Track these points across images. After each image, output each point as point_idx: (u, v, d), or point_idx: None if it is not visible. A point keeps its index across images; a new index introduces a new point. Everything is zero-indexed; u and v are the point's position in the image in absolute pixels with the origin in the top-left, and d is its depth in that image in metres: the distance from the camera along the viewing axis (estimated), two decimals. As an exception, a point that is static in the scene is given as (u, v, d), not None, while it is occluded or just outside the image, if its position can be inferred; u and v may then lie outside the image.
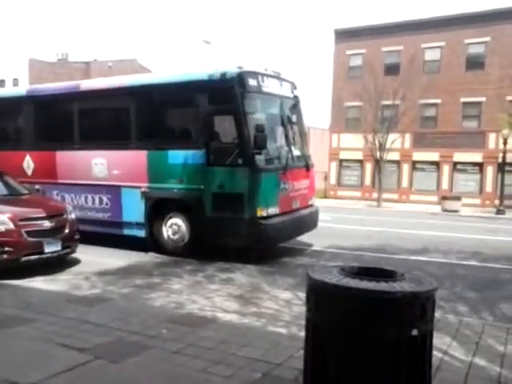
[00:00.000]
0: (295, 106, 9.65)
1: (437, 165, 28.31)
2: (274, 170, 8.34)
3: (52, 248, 7.15)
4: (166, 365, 3.74)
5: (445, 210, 22.74)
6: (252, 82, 8.24)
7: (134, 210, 9.07)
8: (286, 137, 8.97)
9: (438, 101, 27.57)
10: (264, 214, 7.91)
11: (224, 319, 4.91)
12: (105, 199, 9.49)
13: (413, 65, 26.18)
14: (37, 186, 9.62)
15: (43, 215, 7.24)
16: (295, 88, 9.73)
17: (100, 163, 9.48)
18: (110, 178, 9.36)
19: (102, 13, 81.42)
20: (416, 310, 2.31)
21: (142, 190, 8.95)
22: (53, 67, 44.04)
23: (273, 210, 8.11)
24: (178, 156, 8.55)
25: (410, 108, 25.81)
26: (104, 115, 10.21)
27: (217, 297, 5.84)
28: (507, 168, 24.32)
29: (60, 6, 75.64)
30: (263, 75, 8.62)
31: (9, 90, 12.07)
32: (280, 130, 9.01)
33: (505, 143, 22.74)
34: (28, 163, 10.47)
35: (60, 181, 10.06)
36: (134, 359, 3.84)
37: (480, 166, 27.52)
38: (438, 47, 27.97)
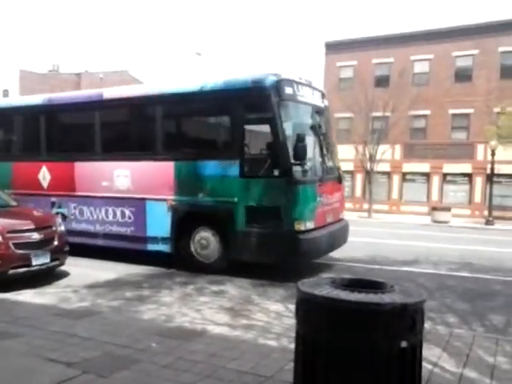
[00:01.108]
0: (326, 116, 9.40)
1: (427, 176, 28.56)
2: (312, 182, 7.94)
3: (40, 260, 7.07)
4: (154, 379, 3.69)
5: (435, 221, 22.88)
6: (288, 90, 7.89)
7: (159, 224, 8.64)
8: (321, 147, 8.57)
9: (428, 112, 27.91)
10: (302, 228, 7.50)
11: (214, 332, 4.88)
12: (127, 213, 9.02)
13: (403, 77, 26.50)
14: (53, 199, 9.64)
15: (32, 227, 7.17)
16: (324, 97, 9.42)
17: (123, 175, 9.03)
18: (134, 191, 8.91)
19: (92, 25, 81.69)
20: (405, 321, 2.30)
21: (169, 202, 8.52)
22: (44, 78, 43.93)
23: (310, 224, 7.70)
24: (208, 167, 8.15)
25: (399, 119, 26.08)
26: (128, 124, 9.72)
27: (207, 309, 5.80)
28: (495, 179, 24.58)
29: (51, 17, 75.84)
30: (298, 83, 8.28)
31: (24, 99, 11.30)
32: (315, 141, 8.51)
33: (493, 154, 23.02)
34: (44, 174, 9.99)
35: (78, 193, 9.59)
36: (123, 373, 3.79)
37: (469, 177, 27.79)
38: (427, 60, 28.39)
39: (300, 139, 7.41)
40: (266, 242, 7.60)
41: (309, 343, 2.40)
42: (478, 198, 27.51)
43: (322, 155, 8.56)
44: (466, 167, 27.45)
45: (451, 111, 27.70)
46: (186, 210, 8.42)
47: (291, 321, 4.95)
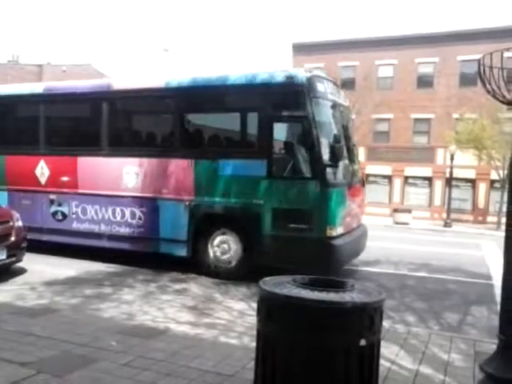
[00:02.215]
0: (349, 116, 9.09)
1: (389, 178, 29.23)
2: (343, 186, 7.57)
3: (-4, 257, 6.83)
4: (113, 378, 3.63)
5: (396, 223, 23.43)
6: (320, 88, 7.49)
7: (174, 225, 8.05)
8: (348, 149, 8.02)
9: (391, 116, 28.56)
10: (334, 233, 7.07)
11: (176, 330, 4.84)
12: (138, 213, 8.36)
13: (367, 80, 27.04)
14: (51, 196, 8.98)
15: (-13, 222, 6.91)
16: (346, 97, 9.03)
17: (133, 172, 8.35)
18: (146, 190, 8.28)
19: (54, 16, 79.44)
20: (364, 320, 2.35)
21: (186, 203, 7.92)
22: (2, 68, 42.38)
23: (340, 230, 7.30)
24: (231, 166, 7.63)
25: (364, 122, 26.58)
26: (141, 119, 9.22)
27: (169, 307, 5.75)
28: (454, 183, 25.44)
29: (10, 6, 73.27)
30: (327, 81, 7.94)
31: (21, 87, 10.19)
32: (343, 141, 7.92)
33: (452, 159, 23.79)
34: (42, 170, 9.19)
35: (81, 191, 8.83)
36: (80, 372, 3.71)
37: (429, 180, 28.63)
38: (391, 65, 29.06)
39: (337, 139, 7.09)
40: (295, 248, 7.09)
41: (270, 341, 2.41)
42: (437, 200, 28.37)
43: (350, 157, 8.15)
44: (427, 171, 28.27)
45: (413, 116, 28.46)
46: (206, 212, 7.88)
47: (254, 319, 4.97)
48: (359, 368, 2.36)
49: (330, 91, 7.84)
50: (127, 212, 8.46)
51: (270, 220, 7.32)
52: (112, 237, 8.58)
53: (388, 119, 28.80)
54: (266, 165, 7.36)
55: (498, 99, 3.43)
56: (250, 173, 7.48)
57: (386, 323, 5.37)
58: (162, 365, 3.88)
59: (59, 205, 9.08)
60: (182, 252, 8.01)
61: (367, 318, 2.36)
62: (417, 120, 28.58)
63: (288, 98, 7.31)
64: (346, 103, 8.83)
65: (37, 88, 9.60)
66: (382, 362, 3.93)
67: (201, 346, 4.36)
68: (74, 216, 8.94)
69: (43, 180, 9.21)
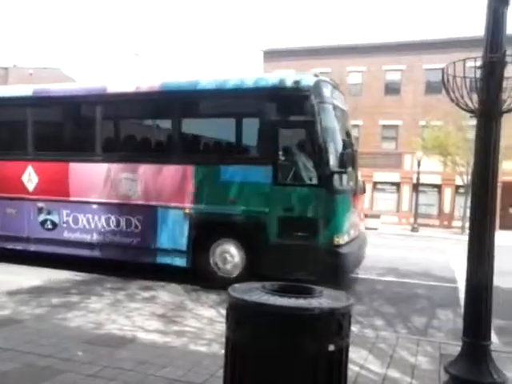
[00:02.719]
0: (348, 121, 8.97)
1: (358, 184, 29.65)
2: (348, 193, 7.45)
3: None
4: (79, 390, 3.54)
5: (366, 228, 23.77)
6: (326, 93, 7.36)
7: (172, 234, 7.74)
8: (351, 155, 7.71)
9: (360, 122, 29.04)
10: (341, 241, 6.92)
11: (144, 339, 4.76)
12: (134, 221, 7.99)
13: (341, 87, 27.44)
14: (40, 204, 8.47)
15: None
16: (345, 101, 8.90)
17: (129, 178, 7.99)
18: (143, 197, 7.93)
19: (22, 18, 77.65)
20: (333, 325, 2.36)
21: (186, 211, 7.61)
22: (-34, 71, 41.08)
23: (345, 238, 7.14)
24: (234, 172, 7.37)
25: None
26: (138, 123, 8.85)
27: (138, 316, 5.66)
28: (421, 188, 26.04)
29: (-24, 6, 71.26)
30: (332, 85, 7.83)
31: (7, 90, 9.85)
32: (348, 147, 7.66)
33: (418, 165, 24.38)
34: (29, 176, 8.67)
35: (73, 198, 8.38)
36: (45, 385, 3.60)
37: (397, 186, 29.23)
38: (360, 71, 29.62)
39: (343, 145, 7.00)
40: (301, 257, 6.90)
41: (238, 348, 2.40)
42: (405, 206, 28.98)
43: (354, 163, 7.83)
44: (395, 176, 28.86)
45: (381, 122, 29.06)
46: (207, 220, 7.57)
47: (223, 326, 4.93)
48: (328, 373, 2.37)
49: (333, 96, 7.75)
50: (122, 220, 8.08)
51: (275, 228, 7.11)
52: (106, 246, 8.19)
53: (357, 125, 29.27)
54: (271, 171, 7.15)
55: (461, 107, 3.52)
56: (254, 179, 7.25)
57: (355, 328, 5.44)
58: (129, 374, 3.81)
59: (48, 213, 8.61)
60: (181, 262, 7.70)
61: (335, 323, 2.37)
62: (385, 126, 29.21)
63: (294, 103, 7.11)
64: (346, 107, 8.74)
65: (25, 91, 9.12)
66: (350, 366, 3.97)
67: (170, 355, 4.30)
68: (64, 225, 8.49)
69: (31, 187, 8.71)
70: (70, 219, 8.45)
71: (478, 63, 3.35)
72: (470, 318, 3.41)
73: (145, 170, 7.96)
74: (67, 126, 9.07)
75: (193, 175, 7.63)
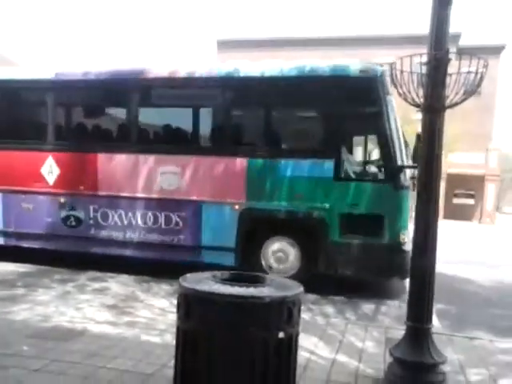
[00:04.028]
0: None
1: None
2: (409, 189, 6.95)
3: None
4: (25, 384, 3.44)
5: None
6: (389, 83, 6.77)
7: (219, 232, 7.27)
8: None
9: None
10: (406, 239, 6.60)
11: (95, 331, 4.68)
12: (175, 218, 7.44)
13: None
14: (62, 199, 7.76)
15: None
16: None
17: (170, 172, 7.41)
18: (186, 192, 7.37)
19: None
20: (283, 313, 2.41)
21: (236, 207, 7.16)
22: None
23: (408, 236, 6.70)
24: (292, 167, 6.96)
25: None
26: (183, 111, 8.03)
27: (88, 307, 5.55)
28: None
29: None
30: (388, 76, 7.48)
31: (24, 72, 8.55)
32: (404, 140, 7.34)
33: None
34: (50, 168, 7.90)
35: (102, 193, 7.73)
36: (-12, 381, 3.48)
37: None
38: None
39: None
40: (365, 256, 6.67)
41: (189, 338, 2.41)
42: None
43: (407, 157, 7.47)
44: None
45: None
46: (259, 217, 7.15)
47: (175, 316, 4.94)
48: (278, 360, 2.43)
49: (390, 87, 7.38)
50: (161, 217, 7.51)
51: (336, 225, 6.79)
52: (141, 245, 7.63)
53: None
54: (334, 165, 6.76)
55: (408, 102, 3.65)
56: (315, 174, 6.85)
57: (306, 316, 5.58)
58: (79, 367, 3.73)
59: (72, 209, 7.92)
60: (228, 261, 7.15)
61: (286, 311, 2.42)
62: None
63: (360, 93, 6.66)
64: None
65: (46, 73, 8.18)
66: (301, 352, 4.08)
67: (120, 346, 4.25)
68: (91, 222, 7.84)
69: (51, 180, 7.94)
70: (99, 215, 7.79)
71: (424, 59, 3.48)
72: (413, 304, 3.57)
73: (188, 162, 7.39)
74: (96, 114, 8.43)
75: (245, 169, 7.15)
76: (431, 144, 3.50)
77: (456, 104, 3.44)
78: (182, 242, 7.46)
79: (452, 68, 3.42)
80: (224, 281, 2.52)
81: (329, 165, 6.77)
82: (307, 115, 7.34)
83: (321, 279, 8.05)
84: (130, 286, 7.01)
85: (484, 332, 5.56)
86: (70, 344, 4.24)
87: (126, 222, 7.68)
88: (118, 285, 7.00)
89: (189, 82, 7.50)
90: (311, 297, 6.71)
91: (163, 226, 7.50)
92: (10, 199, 8.18)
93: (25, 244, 8.22)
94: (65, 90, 8.20)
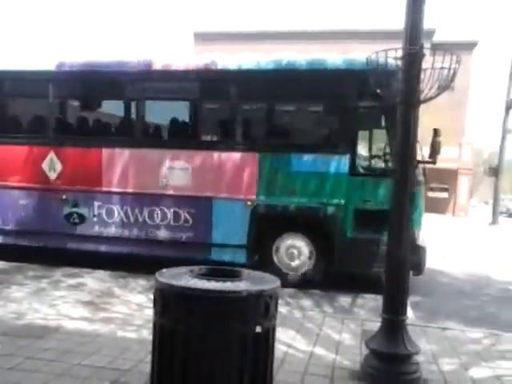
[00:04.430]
0: None
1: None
2: (423, 184, 6.96)
3: None
4: (-2, 383, 3.37)
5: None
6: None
7: (230, 228, 7.09)
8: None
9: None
10: (421, 234, 6.66)
11: (70, 327, 4.62)
12: (184, 215, 7.23)
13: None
14: (64, 195, 7.45)
15: None
16: None
17: (179, 167, 7.20)
18: (196, 188, 7.17)
19: None
20: (260, 307, 2.42)
21: (248, 203, 7.02)
22: None
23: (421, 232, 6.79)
24: (306, 162, 6.81)
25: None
26: (191, 105, 7.83)
27: (63, 304, 5.47)
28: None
29: None
30: None
31: (24, 63, 8.07)
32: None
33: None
34: (51, 163, 7.62)
35: (107, 189, 7.49)
36: (-41, 380, 3.40)
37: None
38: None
39: (439, 133, 6.34)
40: (380, 252, 6.46)
41: (166, 333, 2.40)
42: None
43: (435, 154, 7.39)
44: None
45: (312, 109, 29.69)
46: (271, 213, 7.02)
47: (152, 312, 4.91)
48: (255, 354, 2.43)
49: None
50: (170, 213, 7.30)
51: (351, 221, 6.71)
52: (148, 242, 7.41)
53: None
54: (348, 161, 6.65)
55: (384, 95, 3.71)
56: (329, 169, 6.71)
57: (284, 309, 5.61)
58: (53, 365, 3.67)
59: (75, 205, 7.64)
60: (240, 258, 7.02)
61: (263, 305, 2.43)
62: (314, 113, 29.86)
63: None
64: None
65: (46, 64, 7.82)
66: (279, 346, 4.11)
67: (96, 342, 4.20)
68: (95, 219, 7.59)
69: (53, 176, 7.66)
70: (104, 212, 7.55)
71: (399, 54, 3.52)
72: (388, 296, 3.63)
73: (198, 157, 7.20)
74: (93, 106, 8.15)
75: (257, 164, 6.99)
76: (406, 136, 3.57)
77: (430, 98, 3.49)
78: (192, 239, 7.29)
79: (426, 63, 3.47)
80: (201, 276, 2.51)
81: (343, 160, 6.68)
82: (322, 109, 7.22)
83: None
84: (107, 281, 6.93)
85: (456, 322, 5.69)
86: (44, 341, 4.17)
87: (132, 219, 7.46)
88: (93, 280, 6.91)
89: (200, 76, 7.32)
90: (288, 290, 6.75)
91: (172, 222, 7.31)
92: (7, 196, 7.85)
93: (24, 242, 7.93)
94: (67, 82, 7.91)
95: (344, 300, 6.62)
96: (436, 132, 6.43)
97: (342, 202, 6.71)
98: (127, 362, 3.76)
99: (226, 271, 2.66)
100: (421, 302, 6.56)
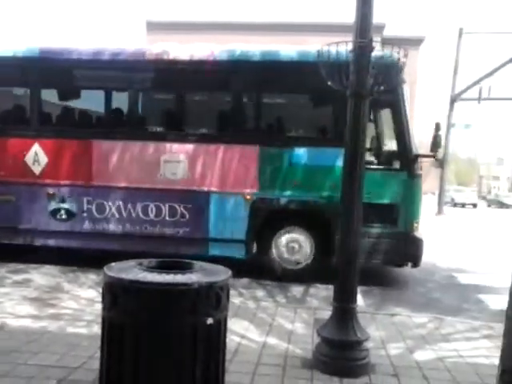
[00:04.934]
0: None
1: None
2: (421, 177, 7.08)
3: None
4: None
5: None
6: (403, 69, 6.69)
7: (228, 223, 7.00)
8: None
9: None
10: (419, 227, 6.82)
11: (15, 325, 4.44)
12: (180, 209, 7.04)
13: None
14: (50, 190, 7.03)
15: None
16: None
17: (175, 160, 7.00)
18: (193, 181, 7.02)
19: None
20: (211, 299, 2.40)
21: (247, 197, 6.93)
22: None
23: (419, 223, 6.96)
24: (307, 155, 6.77)
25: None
26: (189, 95, 7.69)
27: (7, 301, 5.25)
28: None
29: None
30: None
31: (10, 50, 7.42)
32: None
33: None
34: (36, 156, 7.20)
35: (97, 183, 7.17)
36: None
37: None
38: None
39: (439, 128, 6.59)
40: (381, 244, 6.69)
41: (115, 328, 2.35)
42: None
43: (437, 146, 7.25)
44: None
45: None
46: (271, 207, 6.97)
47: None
48: (206, 346, 2.42)
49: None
50: (165, 208, 7.08)
51: None
52: (142, 238, 7.13)
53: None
54: None
55: (335, 88, 3.79)
56: (330, 163, 6.59)
57: (237, 300, 5.63)
58: (-4, 365, 3.52)
59: (62, 201, 7.28)
60: (238, 254, 7.01)
61: (214, 296, 2.42)
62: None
63: (377, 79, 6.50)
64: None
65: (28, 51, 7.34)
66: (232, 337, 4.12)
67: (44, 340, 4.06)
68: (85, 214, 7.25)
69: (37, 170, 7.25)
70: (93, 208, 7.22)
71: (350, 47, 3.59)
72: (339, 284, 3.71)
73: (195, 150, 7.03)
74: (90, 98, 7.84)
75: (256, 157, 6.92)
76: (356, 127, 3.65)
77: (379, 90, 3.58)
78: (189, 235, 7.13)
79: (376, 57, 3.55)
80: (151, 269, 2.46)
81: (344, 154, 6.68)
82: (324, 102, 7.15)
83: (252, 263, 8.15)
84: (55, 276, 6.72)
85: (404, 308, 5.91)
86: (-13, 341, 3.99)
87: (125, 215, 7.17)
88: (41, 276, 6.68)
89: (197, 67, 7.13)
90: (242, 281, 6.78)
91: (167, 218, 7.11)
92: None
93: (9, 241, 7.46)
94: (51, 70, 7.45)
95: (297, 290, 6.72)
96: (437, 126, 6.69)
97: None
98: (76, 359, 3.66)
99: (177, 263, 2.63)
100: (371, 290, 6.75)
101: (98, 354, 3.32)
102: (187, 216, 7.09)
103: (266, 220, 7.04)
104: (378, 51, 6.92)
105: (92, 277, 6.71)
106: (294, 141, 7.13)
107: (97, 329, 4.32)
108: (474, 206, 40.84)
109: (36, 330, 4.35)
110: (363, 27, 3.52)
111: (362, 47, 3.49)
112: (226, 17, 30.56)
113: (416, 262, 6.90)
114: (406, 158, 6.71)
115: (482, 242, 13.26)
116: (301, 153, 6.87)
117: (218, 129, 7.47)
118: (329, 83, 3.79)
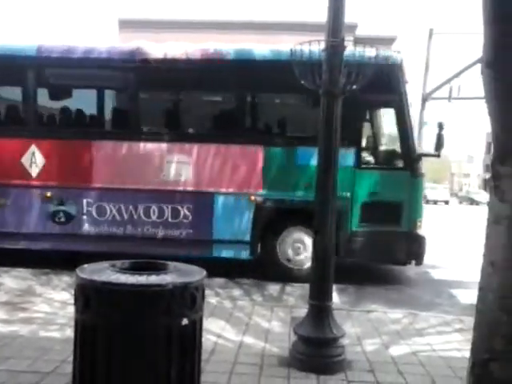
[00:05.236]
0: None
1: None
2: (424, 176, 7.13)
3: None
4: None
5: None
6: (407, 70, 6.80)
7: (233, 224, 6.94)
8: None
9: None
10: (422, 226, 6.87)
11: (-16, 331, 4.32)
12: (183, 211, 6.95)
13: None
14: (48, 192, 6.87)
15: None
16: None
17: (178, 161, 6.94)
18: (197, 182, 6.97)
19: None
20: (186, 299, 2.37)
21: (252, 198, 6.90)
22: None
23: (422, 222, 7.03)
24: (312, 155, 6.20)
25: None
26: (192, 95, 7.66)
27: (-23, 306, 5.10)
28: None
29: None
30: None
31: (7, 47, 7.25)
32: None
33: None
34: (33, 158, 7.03)
35: (97, 185, 7.05)
36: None
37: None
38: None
39: (442, 127, 6.63)
40: (386, 243, 6.77)
41: (88, 330, 2.30)
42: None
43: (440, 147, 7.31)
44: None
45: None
46: (276, 207, 6.93)
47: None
48: (181, 346, 2.39)
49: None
50: (167, 210, 6.98)
51: (357, 214, 6.76)
52: (145, 240, 7.00)
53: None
54: (355, 154, 6.74)
55: (308, 86, 3.80)
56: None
57: (213, 300, 5.61)
58: (-36, 372, 3.42)
59: (61, 203, 7.12)
60: (243, 254, 7.00)
61: (189, 297, 2.39)
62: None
63: (380, 81, 6.22)
64: None
65: (26, 49, 7.17)
66: (209, 336, 4.11)
67: (15, 345, 3.97)
68: (84, 217, 7.10)
69: (34, 172, 7.07)
70: (94, 210, 7.08)
71: (322, 46, 3.61)
72: (315, 283, 3.73)
73: (200, 150, 6.97)
74: (80, 95, 7.69)
75: (262, 158, 6.90)
76: (329, 125, 3.67)
77: (352, 89, 3.61)
78: (192, 237, 7.05)
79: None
80: (124, 270, 2.42)
81: (350, 154, 6.72)
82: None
83: (228, 264, 8.14)
84: (27, 279, 6.57)
85: (379, 305, 5.99)
86: (-45, 347, 3.88)
87: (126, 217, 7.05)
88: (12, 279, 6.53)
89: (200, 65, 7.11)
90: (218, 281, 6.76)
91: (170, 219, 7.02)
92: None
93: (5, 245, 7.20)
94: (51, 68, 7.37)
95: (273, 288, 6.74)
96: (440, 126, 6.78)
97: (348, 194, 6.75)
98: (49, 364, 3.59)
99: (150, 264, 2.59)
100: (346, 288, 6.82)
101: (71, 358, 3.27)
102: (190, 217, 7.03)
103: (272, 220, 7.04)
104: (382, 53, 6.68)
105: (65, 279, 6.59)
106: (299, 141, 7.10)
107: (70, 332, 4.21)
108: (446, 202, 41.75)
109: (7, 334, 4.24)
110: (335, 26, 3.55)
111: (335, 46, 3.51)
112: (198, 15, 30.40)
113: (419, 259, 6.98)
114: (410, 158, 6.81)
115: (453, 238, 13.55)
116: (305, 153, 6.76)
117: (224, 129, 7.32)
118: (302, 82, 3.78)
